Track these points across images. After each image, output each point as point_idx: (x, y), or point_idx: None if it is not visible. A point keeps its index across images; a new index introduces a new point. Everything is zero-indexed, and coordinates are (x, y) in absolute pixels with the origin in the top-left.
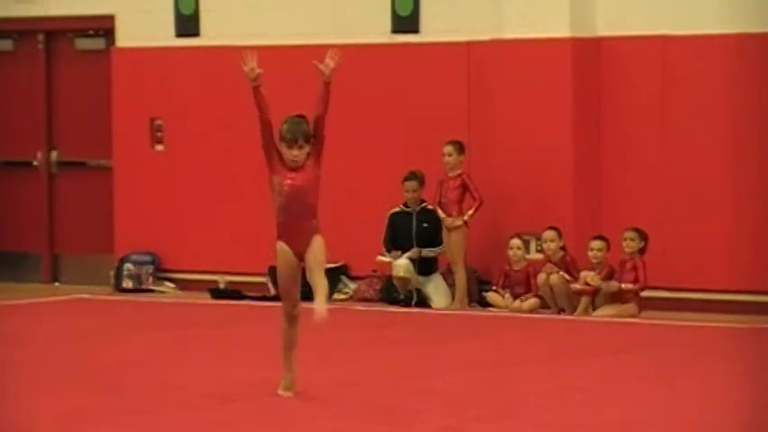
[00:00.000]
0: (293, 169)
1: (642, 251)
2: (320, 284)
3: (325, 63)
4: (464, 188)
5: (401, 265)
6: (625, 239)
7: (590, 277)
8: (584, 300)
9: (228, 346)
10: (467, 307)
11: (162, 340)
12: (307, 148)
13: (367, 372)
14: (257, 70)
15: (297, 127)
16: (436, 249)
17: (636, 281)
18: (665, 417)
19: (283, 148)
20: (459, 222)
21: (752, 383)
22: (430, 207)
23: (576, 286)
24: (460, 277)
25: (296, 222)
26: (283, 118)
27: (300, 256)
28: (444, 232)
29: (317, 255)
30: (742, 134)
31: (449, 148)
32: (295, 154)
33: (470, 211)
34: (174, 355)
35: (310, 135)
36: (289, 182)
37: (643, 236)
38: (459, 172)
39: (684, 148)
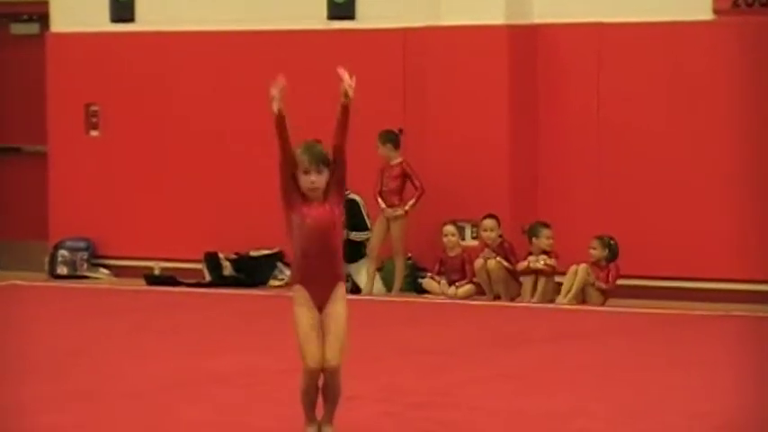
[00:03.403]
0: (314, 204)
1: (609, 258)
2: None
3: (348, 83)
4: (404, 177)
5: None
6: (590, 248)
7: (545, 259)
8: (541, 280)
9: (164, 333)
10: (403, 294)
11: (97, 327)
12: (326, 175)
13: None
14: (279, 105)
15: (312, 149)
16: (363, 234)
17: (606, 282)
18: (599, 404)
19: (299, 176)
20: (399, 212)
21: (687, 369)
22: (350, 197)
23: (539, 265)
24: (400, 266)
25: (318, 267)
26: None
27: (320, 306)
28: (381, 220)
29: (338, 332)
30: (677, 120)
31: (378, 142)
32: (312, 180)
33: (411, 201)
34: (110, 343)
35: (329, 159)
36: (309, 220)
37: (607, 244)
38: (399, 161)
39: (620, 134)
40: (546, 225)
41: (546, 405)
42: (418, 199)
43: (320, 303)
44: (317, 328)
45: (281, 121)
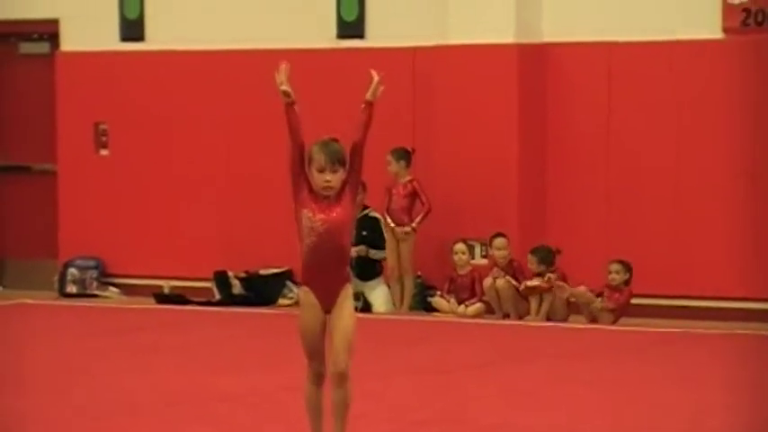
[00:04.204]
0: (326, 203)
1: (627, 282)
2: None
3: (376, 81)
4: (414, 195)
5: None
6: (610, 272)
7: (546, 276)
8: (546, 298)
9: (173, 351)
10: (412, 312)
11: (106, 345)
12: (342, 174)
13: None
14: (286, 87)
15: (329, 147)
16: (381, 253)
17: (614, 307)
18: (603, 421)
19: (313, 174)
20: (407, 230)
21: (690, 387)
22: (372, 215)
23: (534, 282)
24: (408, 284)
25: (326, 267)
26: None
27: (327, 309)
28: (390, 238)
29: (346, 333)
30: (686, 139)
31: (388, 157)
32: (328, 179)
33: (418, 219)
34: (118, 361)
35: (345, 158)
36: (321, 218)
37: (628, 268)
38: (408, 179)
39: (629, 152)
40: (538, 249)
41: (551, 422)
42: (425, 216)
43: (327, 306)
44: (323, 330)
45: (290, 109)
